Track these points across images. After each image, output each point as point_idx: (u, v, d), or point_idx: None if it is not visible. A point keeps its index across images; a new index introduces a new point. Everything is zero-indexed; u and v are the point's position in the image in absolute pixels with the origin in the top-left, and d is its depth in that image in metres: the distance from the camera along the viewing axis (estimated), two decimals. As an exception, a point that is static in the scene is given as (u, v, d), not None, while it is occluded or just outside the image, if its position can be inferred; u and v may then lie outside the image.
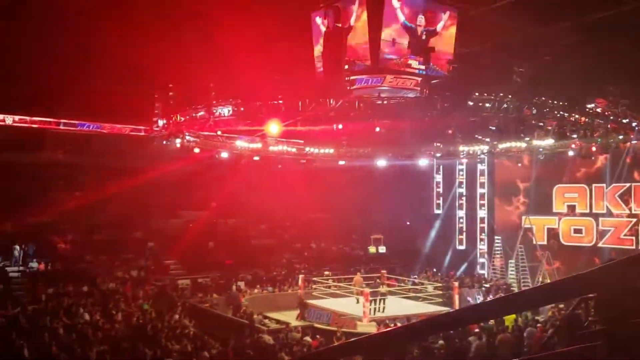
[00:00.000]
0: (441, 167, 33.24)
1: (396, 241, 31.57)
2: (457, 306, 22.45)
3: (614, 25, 17.30)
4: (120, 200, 28.09)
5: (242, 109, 19.50)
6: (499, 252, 29.65)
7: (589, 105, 20.96)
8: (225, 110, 19.78)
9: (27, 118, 26.75)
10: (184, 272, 26.36)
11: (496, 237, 30.04)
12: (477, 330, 14.64)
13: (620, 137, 22.11)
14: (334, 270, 28.14)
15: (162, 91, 21.63)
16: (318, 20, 18.68)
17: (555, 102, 19.82)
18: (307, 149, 27.29)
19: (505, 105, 19.16)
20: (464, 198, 32.44)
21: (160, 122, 22.25)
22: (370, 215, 32.87)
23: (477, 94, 19.11)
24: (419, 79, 18.34)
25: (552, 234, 27.99)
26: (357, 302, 22.42)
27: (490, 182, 31.18)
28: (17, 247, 23.64)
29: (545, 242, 27.94)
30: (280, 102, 18.95)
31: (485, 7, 17.99)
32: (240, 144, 25.30)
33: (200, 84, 20.49)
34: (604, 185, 26.00)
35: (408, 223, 34.74)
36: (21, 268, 23.35)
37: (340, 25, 17.78)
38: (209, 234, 29.69)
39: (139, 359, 13.68)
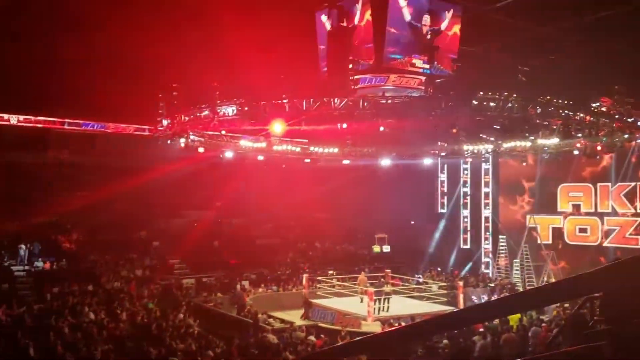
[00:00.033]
0: (445, 166, 33.19)
1: (400, 240, 31.53)
2: (461, 305, 22.42)
3: (618, 25, 17.24)
4: (125, 200, 28.18)
5: (246, 108, 19.49)
6: (503, 251, 29.60)
7: (594, 104, 20.88)
8: (230, 110, 19.78)
9: (32, 118, 26.87)
10: (189, 272, 26.41)
11: (501, 237, 29.98)
12: (481, 329, 14.62)
13: (626, 136, 22.01)
14: (338, 269, 28.14)
15: (166, 91, 21.65)
16: (322, 19, 18.69)
17: (560, 101, 19.75)
18: (311, 148, 27.28)
19: (509, 105, 19.10)
20: (468, 197, 32.39)
21: (165, 122, 22.27)
22: (374, 215, 32.84)
23: (481, 93, 19.05)
24: (423, 78, 18.32)
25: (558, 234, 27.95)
26: (361, 301, 22.42)
27: (495, 181, 31.13)
28: (23, 246, 23.71)
29: (550, 242, 27.88)
30: (285, 101, 18.94)
31: (489, 6, 17.96)
32: (245, 143, 25.32)
33: (205, 84, 20.50)
34: (609, 184, 25.92)
35: (412, 222, 34.70)
36: (26, 267, 23.43)
37: (344, 24, 17.77)
38: (214, 234, 29.74)
39: (143, 357, 13.71)
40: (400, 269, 28.74)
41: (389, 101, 18.59)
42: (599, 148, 23.21)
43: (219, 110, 19.91)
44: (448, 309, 21.37)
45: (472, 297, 24.72)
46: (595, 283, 2.36)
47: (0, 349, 13.67)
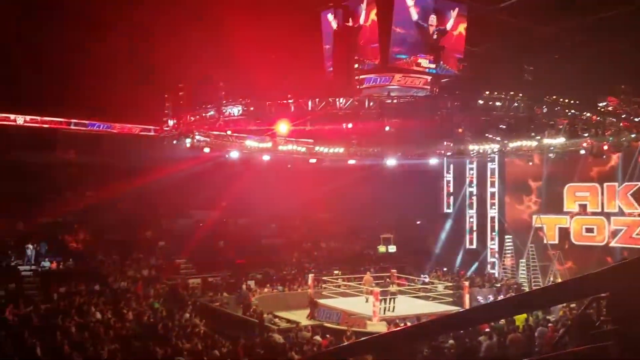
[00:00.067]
0: (451, 166, 33.11)
1: (406, 240, 31.50)
2: (467, 306, 22.38)
3: (621, 24, 17.19)
4: (131, 200, 28.28)
5: (251, 108, 19.52)
6: (509, 251, 29.52)
7: (600, 104, 20.80)
8: (235, 110, 19.81)
9: (38, 118, 26.96)
10: (195, 271, 26.46)
11: (507, 237, 29.90)
12: (487, 329, 14.59)
13: (633, 135, 21.91)
14: (343, 269, 28.13)
15: (172, 91, 21.71)
16: (328, 19, 18.70)
17: (567, 100, 19.68)
18: (316, 148, 27.28)
19: (515, 104, 19.04)
20: (474, 197, 32.31)
21: (171, 122, 22.33)
22: (380, 215, 32.82)
23: (487, 92, 19.01)
24: (429, 77, 18.30)
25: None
26: (367, 301, 22.41)
27: (501, 181, 31.05)
28: (30, 246, 23.80)
29: (556, 242, 27.79)
30: (290, 101, 18.96)
31: (493, 6, 17.94)
32: (250, 143, 25.35)
33: (210, 84, 20.53)
34: (616, 184, 25.81)
35: (418, 222, 34.64)
36: (33, 267, 23.52)
37: (349, 24, 17.78)
38: (219, 234, 29.79)
39: (150, 357, 13.75)
40: (405, 269, 28.70)
41: (394, 101, 18.58)
42: (605, 148, 23.13)
43: (224, 110, 19.94)
44: (454, 309, 21.33)
45: (478, 297, 24.66)
46: (602, 283, 2.35)
47: (7, 349, 13.74)
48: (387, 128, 21.02)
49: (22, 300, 18.97)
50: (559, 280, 24.10)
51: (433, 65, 18.40)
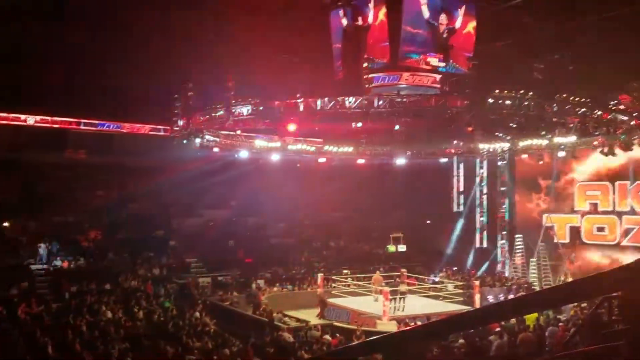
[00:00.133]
0: (461, 165, 32.98)
1: (416, 240, 31.41)
2: (477, 305, 22.28)
3: (635, 21, 17.05)
4: (141, 199, 28.43)
5: (260, 108, 19.53)
6: (520, 250, 29.36)
7: (612, 102, 20.63)
8: (244, 110, 19.83)
9: (49, 118, 27.16)
10: (205, 271, 26.55)
11: (517, 236, 29.74)
12: (498, 329, 14.53)
13: (645, 133, 21.72)
14: (353, 269, 28.11)
15: (181, 90, 21.79)
16: (337, 18, 18.71)
17: (577, 98, 19.54)
18: (325, 147, 27.27)
19: (526, 102, 18.93)
20: (484, 196, 32.17)
21: (180, 122, 22.41)
22: (389, 214, 32.76)
23: (497, 91, 18.91)
24: (437, 76, 18.26)
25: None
26: (376, 300, 22.39)
27: (511, 179, 30.88)
28: (42, 245, 23.98)
29: (567, 241, 27.62)
30: (299, 100, 18.95)
31: (502, 4, 17.87)
32: (259, 143, 25.39)
33: (220, 83, 20.57)
34: (628, 182, 25.62)
35: (428, 222, 34.53)
36: (45, 266, 23.69)
37: (358, 23, 17.79)
38: (229, 233, 29.87)
39: (160, 356, 13.82)
40: (415, 268, 28.63)
41: (404, 100, 18.54)
42: (616, 146, 22.94)
43: (233, 110, 19.97)
44: (464, 308, 21.25)
45: (489, 296, 24.54)
46: (614, 282, 2.34)
47: (20, 347, 13.87)
48: (396, 127, 20.99)
49: (34, 299, 19.11)
50: (570, 279, 23.95)
51: (443, 64, 18.37)
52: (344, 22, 18.26)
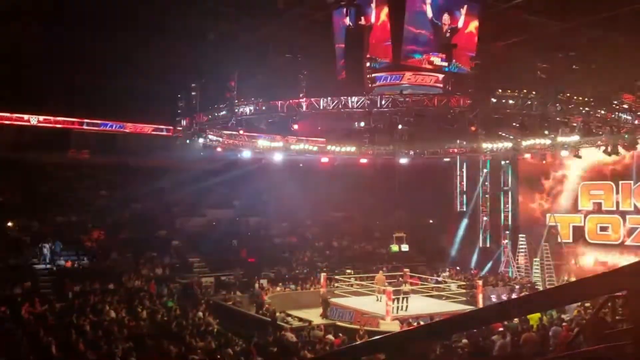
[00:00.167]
0: (465, 164, 32.95)
1: (419, 239, 31.41)
2: (480, 305, 22.26)
3: (636, 21, 17.01)
4: (145, 199, 28.48)
5: (263, 108, 19.55)
6: (523, 250, 29.33)
7: (615, 101, 20.57)
8: (247, 110, 19.85)
9: (52, 118, 27.21)
10: (208, 270, 26.58)
11: (520, 235, 29.72)
12: (501, 329, 14.51)
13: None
14: (355, 268, 28.11)
15: (185, 91, 21.84)
16: (340, 18, 18.70)
17: (581, 98, 19.49)
18: (328, 147, 27.28)
19: (529, 102, 18.89)
20: (487, 195, 32.13)
21: (183, 122, 22.44)
22: (392, 213, 32.76)
23: (500, 90, 18.88)
24: (440, 75, 18.24)
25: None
26: (379, 300, 22.38)
27: (514, 179, 30.84)
28: (46, 245, 24.04)
29: (570, 240, 27.58)
30: (302, 100, 18.96)
31: (505, 3, 17.84)
32: (262, 143, 25.41)
33: (223, 83, 20.60)
34: (631, 182, 25.56)
35: (431, 221, 34.51)
36: (48, 266, 23.75)
37: (361, 23, 17.78)
38: (232, 233, 29.90)
39: (163, 355, 13.83)
40: (418, 268, 28.62)
41: (407, 99, 18.52)
42: (620, 146, 22.87)
43: (237, 110, 19.99)
44: (467, 308, 21.23)
45: (492, 296, 24.51)
46: (619, 281, 2.33)
47: (23, 347, 13.89)
48: (399, 126, 20.96)
49: (38, 298, 19.15)
50: (574, 279, 23.90)
51: (445, 63, 18.34)
52: (346, 22, 18.25)
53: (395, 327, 19.23)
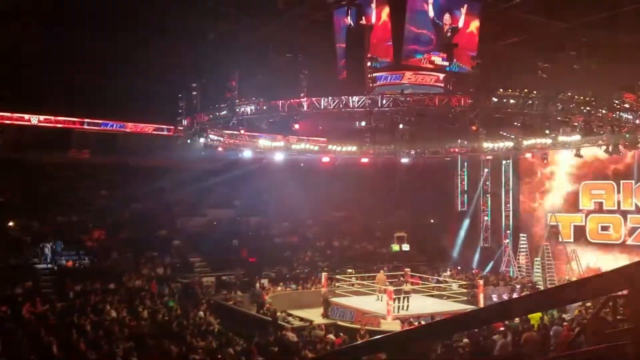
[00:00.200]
0: (466, 164, 32.94)
1: (420, 239, 31.40)
2: (481, 304, 22.25)
3: (637, 20, 17.00)
4: (145, 199, 28.50)
5: (264, 107, 19.55)
6: (524, 249, 29.31)
7: (616, 101, 20.56)
8: (248, 109, 19.85)
9: (52, 118, 27.23)
10: (209, 270, 26.59)
11: (521, 235, 29.70)
12: (502, 328, 14.50)
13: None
14: (356, 268, 28.11)
15: (185, 90, 21.84)
16: (341, 17, 18.70)
17: (582, 97, 19.48)
18: (329, 146, 27.28)
19: (530, 102, 18.88)
20: (488, 195, 32.12)
21: (184, 122, 22.45)
22: (393, 213, 32.76)
23: (501, 90, 18.87)
24: (440, 75, 18.25)
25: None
26: (380, 299, 22.38)
27: (516, 178, 30.82)
28: (47, 245, 24.05)
29: (571, 240, 27.57)
30: (303, 100, 18.96)
31: (505, 3, 17.83)
32: (263, 142, 25.42)
33: (223, 83, 20.62)
34: (633, 181, 25.55)
35: (432, 221, 34.50)
36: (49, 265, 23.76)
37: (362, 22, 17.79)
38: (233, 232, 29.91)
39: (164, 355, 13.84)
40: (419, 267, 28.62)
41: (408, 99, 18.52)
42: (621, 145, 22.85)
43: (238, 109, 19.99)
44: (468, 307, 21.23)
45: (493, 295, 24.51)
46: (620, 281, 2.32)
47: (24, 347, 13.90)
48: (400, 126, 20.96)
49: (39, 298, 19.16)
50: (575, 278, 23.87)
51: (446, 63, 18.34)
52: (347, 22, 18.25)
53: (396, 326, 19.23)
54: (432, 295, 24.60)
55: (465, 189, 33.22)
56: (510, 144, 26.88)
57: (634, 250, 24.87)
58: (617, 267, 2.27)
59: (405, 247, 29.64)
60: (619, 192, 26.18)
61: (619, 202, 26.23)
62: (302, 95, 19.06)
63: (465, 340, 13.83)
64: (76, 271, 23.65)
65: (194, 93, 21.44)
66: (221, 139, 24.34)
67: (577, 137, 23.02)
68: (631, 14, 16.90)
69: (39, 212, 26.05)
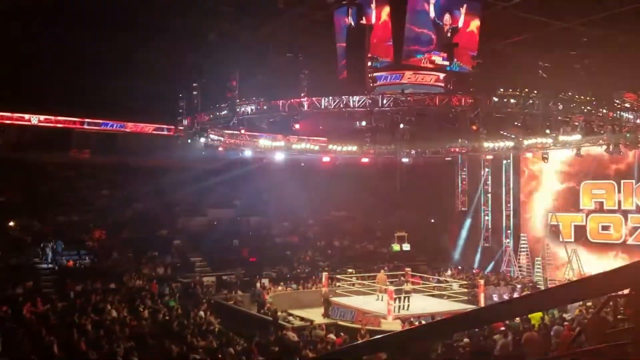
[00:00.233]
0: (466, 163, 32.93)
1: (421, 239, 31.39)
2: (482, 304, 22.25)
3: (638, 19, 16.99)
4: (146, 199, 28.50)
5: (265, 107, 19.56)
6: (525, 249, 29.30)
7: (617, 100, 20.56)
8: (249, 109, 19.86)
9: (52, 118, 27.23)
10: (209, 270, 26.60)
11: (522, 235, 29.69)
12: (502, 328, 14.50)
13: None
14: (357, 268, 28.11)
15: (186, 90, 21.85)
16: (341, 17, 18.70)
17: (583, 97, 19.47)
18: (329, 146, 27.28)
19: (530, 101, 18.87)
20: (489, 195, 32.11)
21: (185, 122, 22.45)
22: (393, 213, 32.75)
23: (501, 89, 18.86)
24: (441, 74, 18.25)
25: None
26: (380, 299, 22.38)
27: (516, 178, 30.81)
28: (48, 244, 24.06)
29: (572, 239, 27.57)
30: (303, 99, 18.96)
31: (505, 3, 17.82)
32: (264, 142, 25.42)
33: (224, 83, 20.62)
34: (633, 181, 25.54)
35: (432, 221, 34.49)
36: (50, 265, 23.78)
37: (362, 22, 17.79)
38: (233, 232, 29.92)
39: (165, 355, 13.84)
40: (420, 267, 28.62)
41: (408, 98, 18.52)
42: (622, 145, 22.85)
43: (238, 110, 19.99)
44: (469, 307, 21.22)
45: (493, 295, 24.51)
46: (621, 280, 2.32)
47: (25, 346, 13.90)
48: (401, 126, 20.96)
49: (40, 298, 19.17)
50: (575, 278, 23.87)
51: (447, 63, 18.34)
52: (348, 21, 18.26)
53: (396, 326, 19.24)
54: (432, 295, 24.60)
55: (466, 188, 33.20)
56: (510, 143, 26.89)
57: (634, 250, 24.86)
58: (618, 267, 2.27)
59: (406, 246, 29.63)
60: (619, 191, 26.16)
61: (619, 202, 26.22)
62: (302, 95, 19.07)
63: (466, 340, 13.83)
64: (77, 271, 23.66)
65: (194, 93, 21.44)
66: (221, 138, 24.34)
67: (577, 137, 23.01)
68: (631, 13, 16.89)
69: (40, 212, 26.06)
